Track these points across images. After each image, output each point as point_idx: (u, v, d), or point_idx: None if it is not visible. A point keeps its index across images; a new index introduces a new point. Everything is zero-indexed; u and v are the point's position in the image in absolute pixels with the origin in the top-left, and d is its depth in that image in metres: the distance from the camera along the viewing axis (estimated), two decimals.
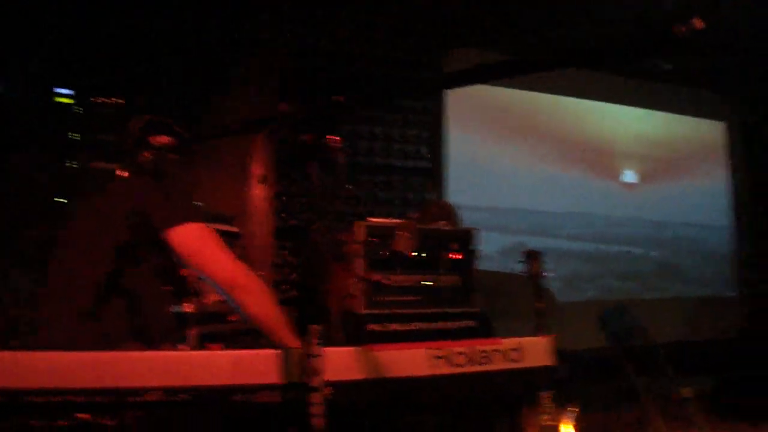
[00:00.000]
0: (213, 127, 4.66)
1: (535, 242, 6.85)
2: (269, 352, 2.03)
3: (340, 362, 2.23)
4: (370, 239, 4.25)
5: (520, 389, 3.43)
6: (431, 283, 4.36)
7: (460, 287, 4.48)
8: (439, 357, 2.80)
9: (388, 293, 4.26)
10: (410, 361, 2.71)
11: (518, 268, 4.33)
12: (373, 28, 6.41)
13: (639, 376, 4.79)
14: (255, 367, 2.01)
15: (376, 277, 4.21)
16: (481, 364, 3.07)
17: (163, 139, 2.52)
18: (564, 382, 6.19)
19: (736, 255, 8.83)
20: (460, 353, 2.90)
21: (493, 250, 6.56)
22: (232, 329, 4.47)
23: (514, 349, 3.46)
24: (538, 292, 4.21)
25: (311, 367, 1.74)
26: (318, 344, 1.73)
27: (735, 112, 8.91)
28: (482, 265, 4.78)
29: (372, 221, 4.40)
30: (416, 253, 4.36)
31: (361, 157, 6.28)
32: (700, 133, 8.68)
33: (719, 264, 8.74)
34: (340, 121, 6.06)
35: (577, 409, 4.13)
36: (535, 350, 3.59)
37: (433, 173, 6.55)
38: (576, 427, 4.09)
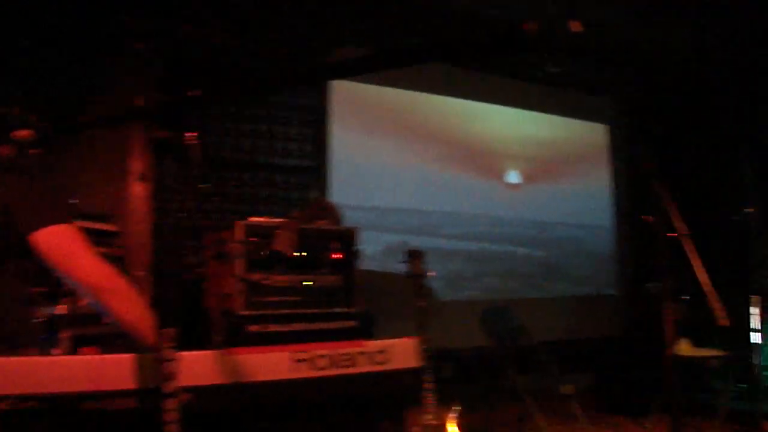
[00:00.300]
0: (72, 120, 4.48)
1: (418, 242, 6.87)
2: (123, 357, 1.95)
3: (199, 366, 2.16)
4: (250, 239, 4.17)
5: (386, 391, 3.42)
6: (312, 283, 4.30)
7: (341, 287, 4.46)
8: (302, 360, 2.76)
9: (268, 293, 4.21)
10: (272, 364, 2.66)
11: (400, 267, 4.32)
12: (257, 22, 6.31)
13: (521, 375, 4.84)
14: (108, 372, 1.93)
15: (256, 277, 4.14)
16: (344, 366, 3.05)
17: (23, 134, 2.39)
18: (448, 381, 6.23)
19: (617, 255, 9.06)
20: (323, 356, 2.87)
21: (376, 250, 6.56)
22: (108, 331, 4.32)
23: (379, 352, 3.45)
24: (419, 292, 4.22)
25: (165, 373, 1.65)
26: (172, 348, 1.65)
27: (617, 115, 9.14)
28: (365, 264, 4.76)
29: (252, 220, 4.33)
30: (297, 253, 4.30)
31: (245, 155, 6.18)
32: (584, 135, 8.88)
33: (601, 264, 8.95)
34: (206, 115, 5.98)
35: (459, 408, 4.15)
36: (401, 352, 3.59)
37: (317, 172, 6.49)
38: (459, 425, 4.12)
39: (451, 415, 4.12)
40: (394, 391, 3.57)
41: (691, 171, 8.84)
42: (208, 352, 2.29)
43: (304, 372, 2.85)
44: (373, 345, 3.40)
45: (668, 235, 2.52)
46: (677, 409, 2.62)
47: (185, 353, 1.86)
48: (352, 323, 4.38)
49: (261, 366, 2.58)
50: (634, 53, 8.17)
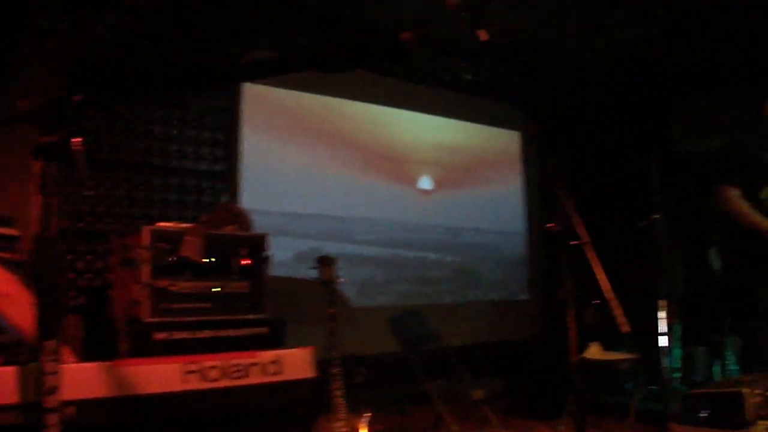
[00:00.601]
0: None
1: (330, 248, 6.83)
2: (4, 369, 1.87)
3: (85, 379, 2.10)
4: (157, 244, 4.10)
5: (280, 403, 3.39)
6: (221, 290, 4.25)
7: (251, 294, 4.43)
8: (192, 372, 2.70)
9: (176, 300, 4.14)
10: (161, 376, 2.61)
11: (311, 273, 4.31)
12: (171, 23, 6.21)
13: (433, 379, 4.87)
14: None
15: (163, 283, 4.08)
16: (236, 378, 3.01)
17: None
18: (361, 387, 6.24)
19: (529, 260, 9.18)
20: (214, 367, 2.82)
21: (288, 256, 6.52)
22: (10, 340, 4.19)
23: (272, 362, 3.42)
24: (330, 298, 4.22)
25: (46, 387, 1.60)
26: (54, 361, 1.59)
27: (529, 122, 9.27)
28: (276, 271, 4.74)
29: (159, 225, 4.27)
30: (206, 259, 4.24)
31: (156, 159, 6.06)
32: (497, 142, 8.98)
33: (514, 269, 9.06)
34: (116, 118, 5.87)
35: (370, 414, 4.15)
36: (294, 363, 3.57)
37: (228, 176, 6.42)
38: (370, 431, 4.11)
39: (361, 421, 4.12)
40: (288, 403, 3.53)
41: (603, 177, 9.02)
42: (94, 364, 2.23)
43: (194, 384, 2.79)
44: (266, 356, 3.36)
45: (571, 242, 2.55)
46: (581, 412, 2.65)
47: (69, 365, 1.80)
48: (261, 330, 4.35)
49: (149, 378, 2.52)
50: (545, 60, 8.31)
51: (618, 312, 2.41)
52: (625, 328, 2.38)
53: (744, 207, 5.26)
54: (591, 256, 2.51)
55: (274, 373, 3.42)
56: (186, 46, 6.18)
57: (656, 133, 8.63)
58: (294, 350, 3.69)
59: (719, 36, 7.54)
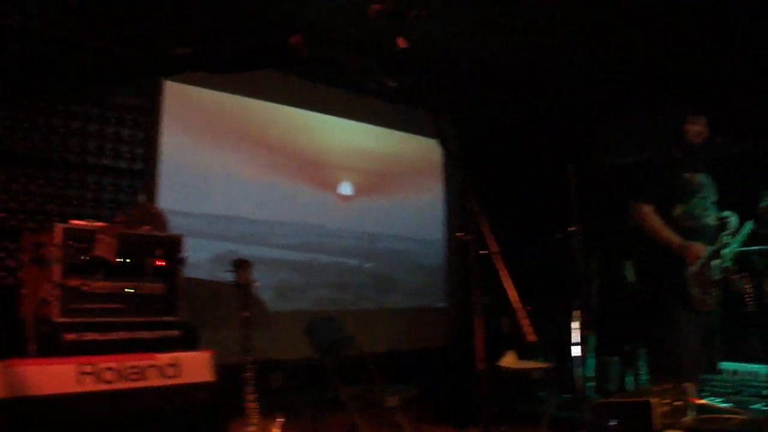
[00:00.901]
0: None
1: (247, 250, 6.82)
2: None
3: None
4: (69, 242, 4.03)
5: (177, 406, 3.37)
6: (134, 291, 4.20)
7: (165, 295, 4.37)
8: (87, 373, 2.66)
9: (88, 300, 4.07)
10: (56, 377, 2.56)
11: (227, 276, 4.29)
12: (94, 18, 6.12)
13: (348, 385, 4.88)
14: None
15: (74, 282, 4.01)
16: (133, 380, 2.98)
17: None
18: (276, 391, 6.23)
19: (447, 268, 9.26)
20: (109, 369, 2.78)
21: (204, 258, 6.46)
22: None
23: (171, 365, 3.40)
24: (245, 302, 4.20)
25: None
26: None
27: (451, 128, 9.34)
28: (192, 272, 4.69)
29: (72, 223, 4.19)
30: (120, 259, 4.18)
31: (73, 155, 5.96)
32: (419, 150, 9.03)
33: (432, 277, 9.13)
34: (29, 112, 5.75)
35: (283, 419, 4.15)
36: (193, 366, 3.56)
37: (146, 176, 6.34)
38: None
39: (274, 426, 4.12)
40: (186, 407, 3.52)
41: (524, 189, 9.18)
42: None
43: (90, 386, 2.75)
44: (163, 358, 3.34)
45: (480, 252, 2.61)
46: (488, 419, 2.71)
47: None
48: (175, 332, 4.30)
49: (43, 379, 2.48)
50: (468, 70, 8.42)
51: (524, 322, 2.46)
52: (531, 337, 2.43)
53: (656, 223, 5.40)
54: (500, 266, 2.56)
55: (172, 376, 3.40)
56: (104, 40, 6.09)
57: (576, 146, 8.81)
58: (193, 353, 3.67)
59: (640, 53, 7.73)
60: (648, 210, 5.44)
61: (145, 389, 3.40)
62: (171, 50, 6.19)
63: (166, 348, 4.07)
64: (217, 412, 4.18)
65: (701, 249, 5.30)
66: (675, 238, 5.33)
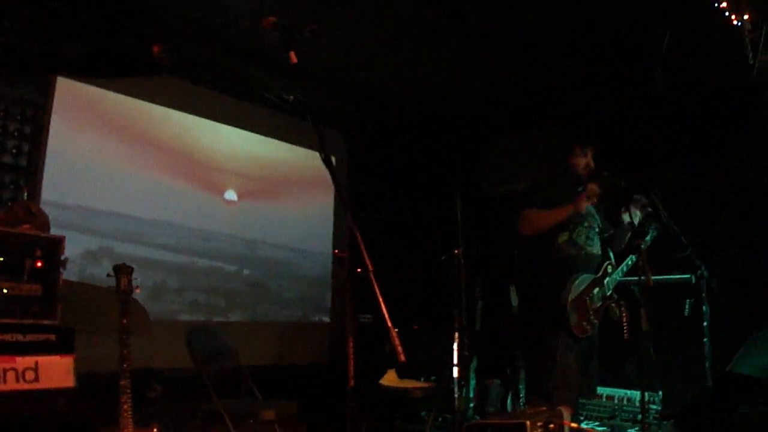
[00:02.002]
0: None
1: (123, 248, 6.75)
2: None
3: None
4: None
5: (34, 411, 3.34)
6: (7, 291, 4.12)
7: (42, 297, 4.30)
8: None
9: None
10: None
11: (104, 275, 4.24)
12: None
13: (224, 398, 4.89)
14: None
15: None
16: None
17: None
18: (153, 401, 6.17)
19: (332, 283, 9.31)
20: None
21: (77, 254, 6.34)
22: None
23: (29, 369, 3.37)
24: (123, 309, 4.18)
25: None
26: None
27: (343, 148, 9.46)
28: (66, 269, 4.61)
29: None
30: None
31: None
32: (311, 162, 9.04)
33: (316, 290, 9.17)
34: None
35: (156, 429, 4.15)
36: (53, 371, 3.54)
37: (30, 172, 6.20)
38: None
39: None
40: (44, 413, 3.49)
41: (412, 211, 9.35)
42: None
43: None
44: (22, 362, 3.30)
45: (357, 270, 2.68)
46: None
47: None
48: (51, 336, 4.24)
49: None
50: (363, 90, 8.58)
51: (396, 342, 2.55)
52: (401, 357, 2.52)
53: (543, 212, 5.56)
54: (375, 286, 2.64)
55: (31, 381, 3.36)
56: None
57: (464, 171, 9.03)
58: (54, 358, 3.64)
59: (530, 83, 8.00)
60: (533, 211, 5.60)
61: (2, 393, 3.35)
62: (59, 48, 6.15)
63: (42, 352, 4.01)
64: (80, 419, 4.14)
65: (593, 187, 5.51)
66: (565, 207, 5.52)
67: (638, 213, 5.67)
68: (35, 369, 3.67)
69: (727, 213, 7.17)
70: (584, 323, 5.44)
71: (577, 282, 5.46)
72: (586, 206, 5.64)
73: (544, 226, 5.61)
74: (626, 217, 5.70)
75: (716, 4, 5.44)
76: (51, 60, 4.25)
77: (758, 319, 6.17)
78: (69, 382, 3.92)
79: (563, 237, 5.62)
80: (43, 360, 3.65)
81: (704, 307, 5.97)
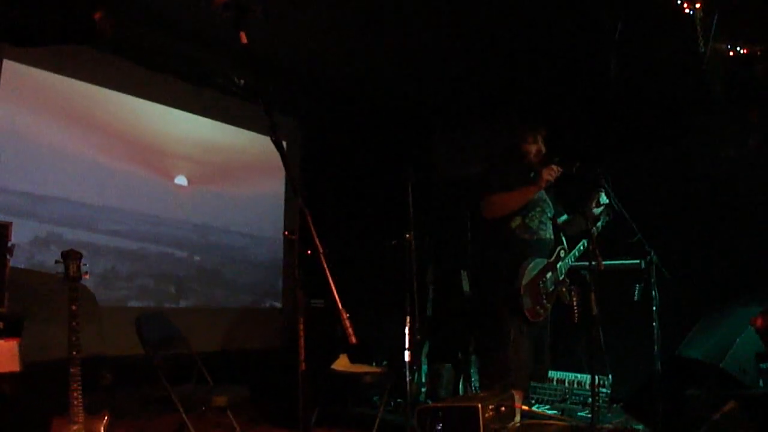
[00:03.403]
0: None
1: (72, 234, 6.70)
2: None
3: None
4: None
5: None
6: None
7: None
8: None
9: None
10: None
11: (52, 262, 4.20)
12: None
13: (176, 385, 4.86)
14: None
15: None
16: None
17: None
18: (104, 389, 6.13)
19: (283, 268, 9.31)
20: None
21: (25, 240, 6.27)
22: None
23: None
24: (73, 295, 4.14)
25: None
26: None
27: (295, 132, 9.45)
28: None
29: None
30: None
31: None
32: (261, 147, 9.02)
33: (268, 275, 9.17)
34: None
35: (107, 417, 4.12)
36: None
37: None
38: None
39: (99, 424, 4.08)
40: None
41: (364, 195, 9.37)
42: None
43: None
44: None
45: (307, 252, 2.69)
46: (307, 421, 2.80)
47: None
48: None
49: None
50: (315, 72, 8.58)
51: (347, 324, 2.56)
52: (353, 339, 2.54)
53: (506, 195, 5.60)
54: (324, 267, 2.65)
55: None
56: None
57: (416, 154, 9.06)
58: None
59: (484, 67, 8.04)
60: (500, 194, 5.62)
61: None
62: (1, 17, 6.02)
63: None
64: (30, 408, 4.11)
65: (552, 168, 5.57)
66: (528, 186, 5.57)
67: (603, 200, 5.74)
68: None
69: (677, 199, 7.27)
70: (537, 307, 5.50)
71: (530, 266, 5.50)
72: (538, 192, 5.70)
73: (510, 208, 5.64)
74: (594, 207, 5.76)
75: None
76: None
77: (706, 305, 6.30)
78: (14, 366, 3.88)
79: (516, 222, 5.65)
80: None
81: (654, 292, 6.04)
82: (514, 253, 5.59)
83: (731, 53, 6.32)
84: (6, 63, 6.38)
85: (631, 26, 6.36)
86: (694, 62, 6.26)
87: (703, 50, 5.95)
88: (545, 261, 5.65)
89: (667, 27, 6.32)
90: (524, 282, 5.45)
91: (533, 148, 5.77)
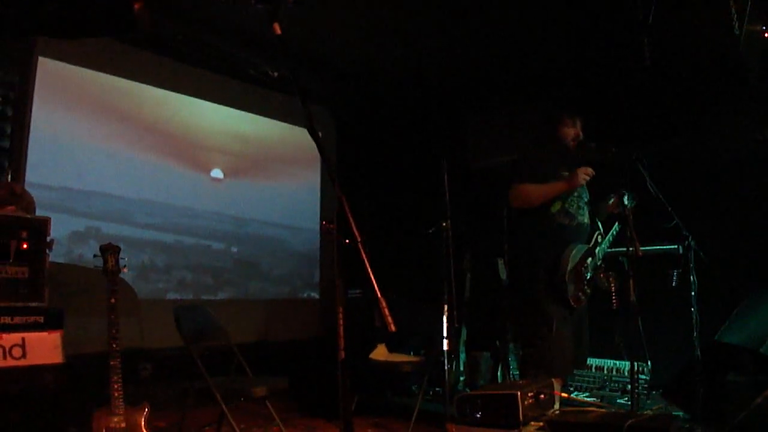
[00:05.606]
0: None
1: (109, 228, 6.76)
2: None
3: None
4: None
5: (22, 388, 3.35)
6: None
7: (29, 280, 4.28)
8: None
9: None
10: None
11: (90, 256, 4.23)
12: None
13: (215, 376, 4.88)
14: None
15: None
16: None
17: None
18: (145, 381, 6.18)
19: (320, 258, 9.34)
20: None
21: (63, 235, 6.34)
22: None
23: (16, 346, 3.37)
24: (112, 288, 4.17)
25: None
26: None
27: (330, 123, 9.45)
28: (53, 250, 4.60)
29: None
30: None
31: None
32: (297, 138, 9.05)
33: (305, 266, 9.20)
34: None
35: (148, 409, 4.15)
36: (40, 347, 3.53)
37: (14, 153, 6.16)
38: (146, 425, 4.11)
39: (140, 415, 4.11)
40: (32, 388, 3.49)
41: (401, 184, 9.36)
42: None
43: None
44: (9, 339, 3.30)
45: (346, 241, 2.66)
46: (348, 411, 2.79)
47: None
48: (39, 318, 4.23)
49: None
50: (349, 64, 8.57)
51: (386, 312, 2.54)
52: (392, 327, 2.51)
53: (535, 187, 5.54)
54: (363, 255, 2.63)
55: (18, 357, 3.36)
56: None
57: (451, 144, 9.02)
58: (41, 334, 3.62)
59: (516, 55, 8.00)
60: (527, 185, 5.57)
61: None
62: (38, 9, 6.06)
63: (29, 331, 4.00)
64: (71, 400, 4.14)
65: (589, 170, 5.53)
66: (559, 182, 5.52)
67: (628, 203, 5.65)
68: (22, 345, 3.66)
69: (713, 183, 7.18)
70: (579, 294, 5.45)
71: (573, 252, 5.46)
72: (568, 190, 5.65)
73: (536, 200, 5.59)
74: (613, 208, 5.70)
75: None
76: (29, 21, 4.19)
77: (745, 289, 6.21)
78: (57, 357, 3.90)
79: (556, 206, 5.60)
80: (30, 336, 3.64)
81: (692, 278, 5.98)
82: (554, 239, 5.54)
83: (767, 34, 6.22)
84: (41, 60, 6.44)
85: (665, 8, 6.29)
86: (729, 44, 6.17)
87: (737, 32, 5.86)
88: (586, 246, 5.60)
89: (701, 9, 6.24)
90: (569, 267, 5.41)
91: (571, 132, 5.69)
